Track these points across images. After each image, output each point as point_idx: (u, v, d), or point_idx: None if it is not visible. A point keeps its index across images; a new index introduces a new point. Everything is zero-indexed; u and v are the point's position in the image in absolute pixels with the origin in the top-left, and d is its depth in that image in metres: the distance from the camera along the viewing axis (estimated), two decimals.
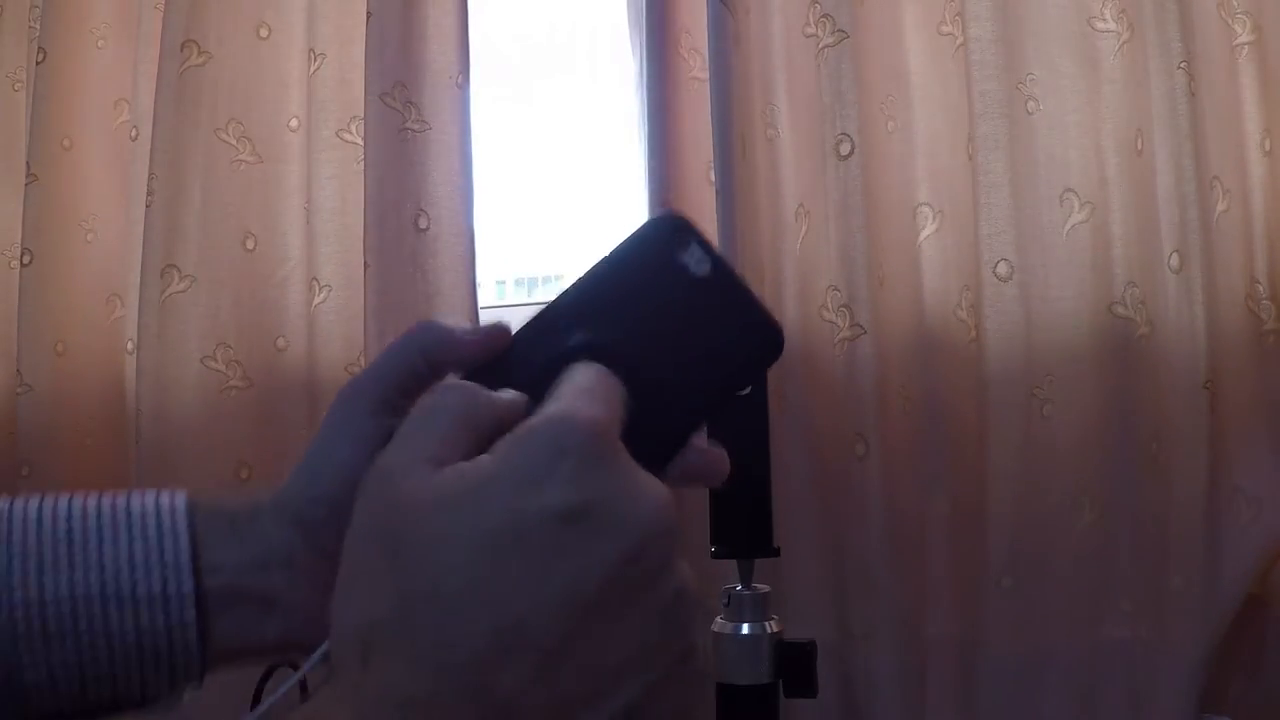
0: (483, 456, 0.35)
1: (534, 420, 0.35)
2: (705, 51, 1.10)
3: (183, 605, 0.44)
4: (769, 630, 0.80)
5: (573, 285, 0.42)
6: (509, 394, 0.39)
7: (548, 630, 0.32)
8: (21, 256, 1.36)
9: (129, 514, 0.45)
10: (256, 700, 0.87)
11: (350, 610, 0.35)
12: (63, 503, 0.45)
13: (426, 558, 0.33)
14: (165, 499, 0.46)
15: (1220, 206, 0.96)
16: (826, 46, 1.06)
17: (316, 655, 0.41)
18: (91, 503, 0.46)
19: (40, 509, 0.45)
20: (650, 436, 0.39)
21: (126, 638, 0.44)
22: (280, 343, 1.25)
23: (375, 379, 0.45)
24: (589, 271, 0.43)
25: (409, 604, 0.33)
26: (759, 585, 0.81)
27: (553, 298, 0.43)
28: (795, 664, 0.79)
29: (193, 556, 0.45)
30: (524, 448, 0.34)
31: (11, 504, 0.45)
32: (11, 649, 0.43)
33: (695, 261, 0.41)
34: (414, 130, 1.18)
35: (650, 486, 0.35)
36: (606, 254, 0.43)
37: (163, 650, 0.45)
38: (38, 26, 1.39)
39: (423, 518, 0.34)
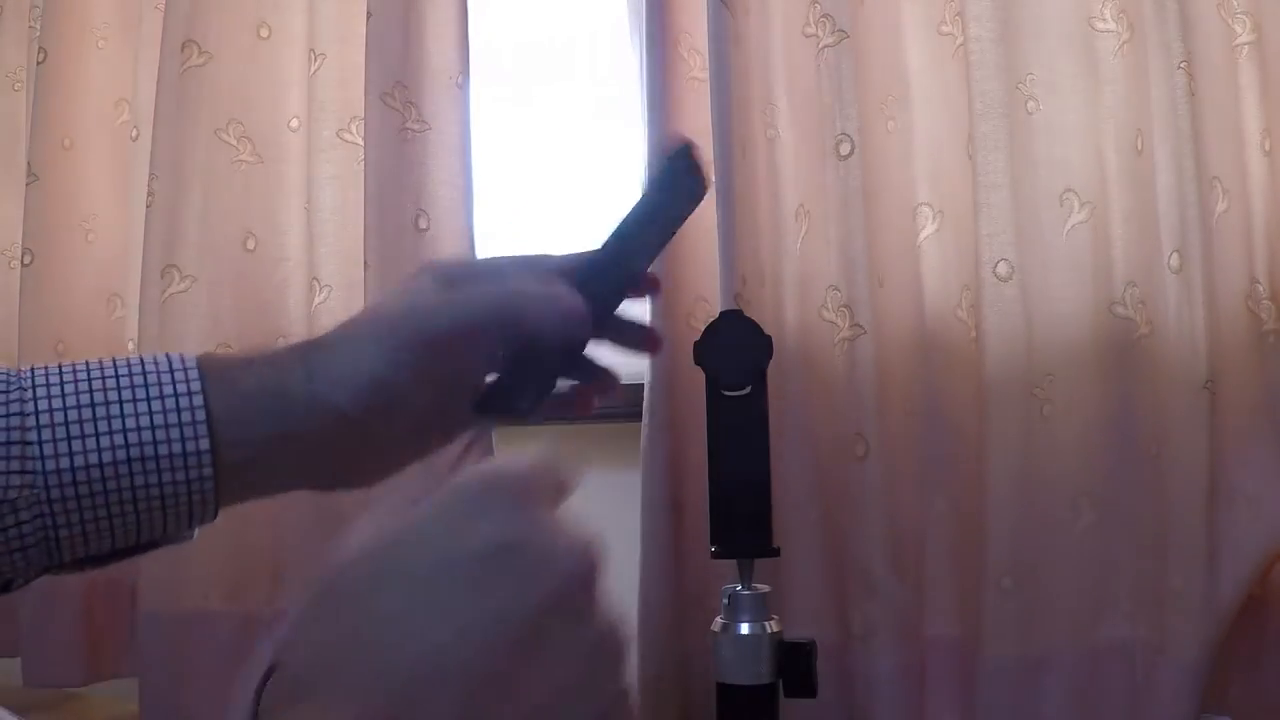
0: (416, 506, 0.36)
1: (465, 473, 0.37)
2: (705, 51, 1.09)
3: (200, 462, 0.47)
4: (769, 630, 0.80)
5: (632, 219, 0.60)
6: None
7: (473, 662, 0.32)
8: (22, 256, 1.36)
9: (145, 377, 0.47)
10: (257, 700, 0.87)
11: (288, 663, 0.34)
12: (81, 369, 0.48)
13: (358, 601, 0.34)
14: (177, 360, 0.48)
15: (1220, 206, 0.96)
16: (826, 46, 1.06)
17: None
18: (109, 366, 0.48)
19: (61, 376, 0.47)
20: (614, 286, 0.59)
21: (151, 494, 0.47)
22: (281, 343, 1.25)
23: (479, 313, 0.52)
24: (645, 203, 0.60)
25: (339, 643, 0.33)
26: (759, 585, 0.81)
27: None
28: (795, 664, 0.79)
29: (208, 414, 0.47)
30: (456, 495, 0.36)
31: (33, 372, 0.48)
32: (47, 511, 0.46)
33: (693, 175, 0.60)
34: (414, 130, 1.18)
35: (575, 532, 0.36)
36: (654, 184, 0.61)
37: (183, 502, 0.48)
38: (38, 26, 1.39)
39: (357, 566, 0.35)
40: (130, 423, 0.46)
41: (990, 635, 0.99)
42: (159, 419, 0.46)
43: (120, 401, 0.46)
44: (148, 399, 0.47)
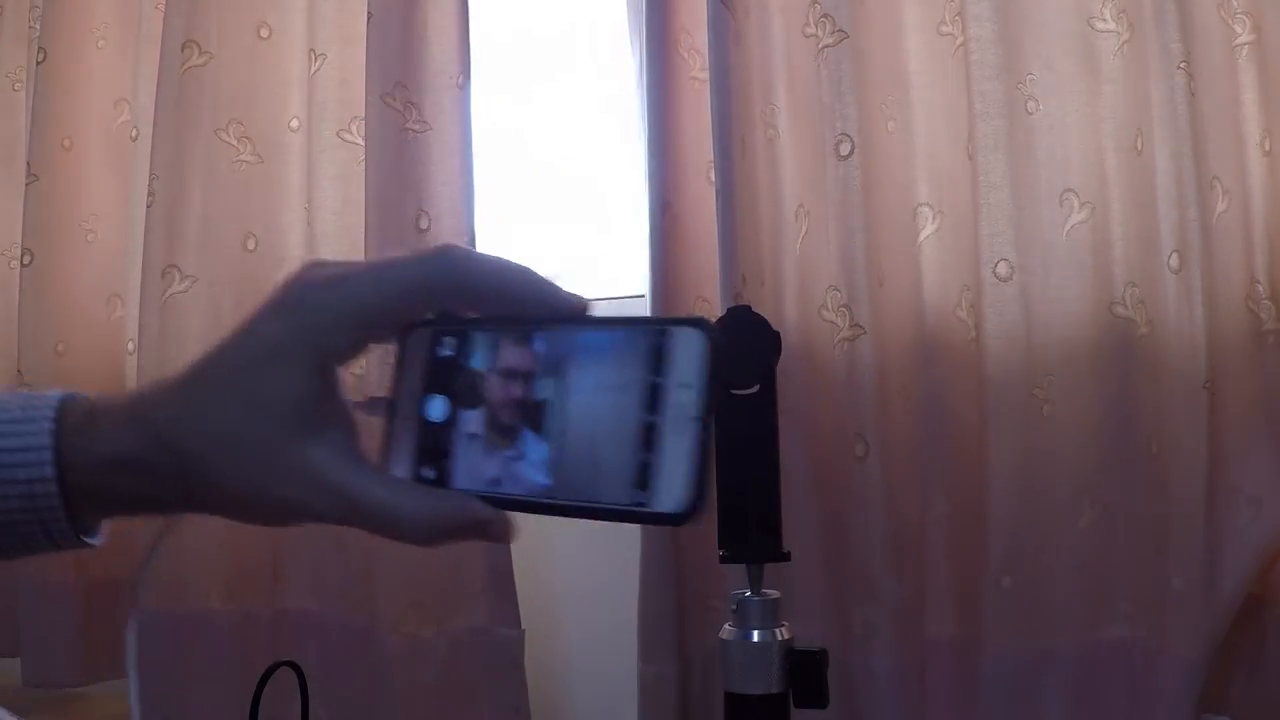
0: None
1: None
2: (705, 51, 1.09)
3: (48, 489, 0.45)
4: (779, 638, 0.76)
5: None
6: None
7: None
8: (21, 256, 1.36)
9: (4, 405, 0.45)
10: (256, 701, 0.87)
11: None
12: None
13: None
14: (38, 395, 0.46)
15: (1220, 206, 0.96)
16: (826, 46, 1.06)
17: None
18: None
19: None
20: None
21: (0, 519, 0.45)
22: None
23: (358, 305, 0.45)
24: None
25: None
26: (769, 591, 0.77)
27: None
28: (806, 674, 0.76)
29: (56, 445, 0.45)
30: None
31: None
32: None
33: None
34: (415, 131, 1.18)
35: None
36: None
37: (35, 525, 0.46)
38: (38, 26, 1.39)
39: None
40: None
41: (990, 635, 0.99)
42: (20, 516, 0.45)
43: None
44: (5, 499, 0.45)
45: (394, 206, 1.18)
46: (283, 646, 1.23)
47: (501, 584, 1.17)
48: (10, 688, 1.35)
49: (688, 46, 1.15)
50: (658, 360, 0.42)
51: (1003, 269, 0.99)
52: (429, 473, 0.46)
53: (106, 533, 0.49)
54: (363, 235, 1.20)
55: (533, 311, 0.45)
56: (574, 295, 0.45)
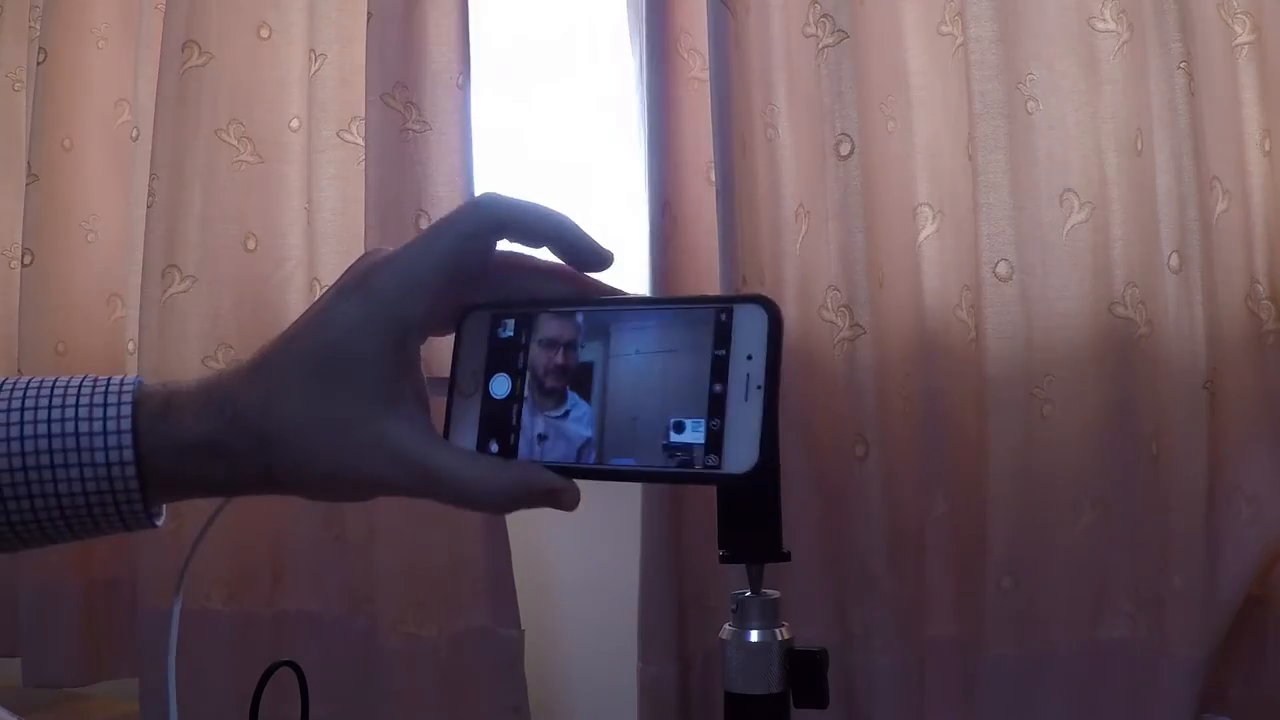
0: None
1: None
2: (705, 51, 1.10)
3: (125, 472, 0.46)
4: (779, 638, 0.78)
5: None
6: None
7: None
8: (22, 256, 1.36)
9: (79, 390, 0.47)
10: (256, 701, 0.87)
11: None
12: (21, 381, 0.47)
13: None
14: (116, 378, 0.48)
15: (1220, 206, 0.96)
16: (826, 46, 1.06)
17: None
18: (48, 382, 0.47)
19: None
20: None
21: (75, 500, 0.46)
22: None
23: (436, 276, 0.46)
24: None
25: None
26: (769, 591, 0.79)
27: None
28: (806, 673, 0.77)
29: (134, 425, 0.46)
30: None
31: None
32: None
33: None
34: (415, 131, 1.18)
35: None
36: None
37: (110, 506, 0.47)
38: (38, 26, 1.39)
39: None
40: (56, 431, 0.46)
41: (990, 635, 0.99)
42: (84, 428, 0.46)
43: (49, 410, 0.46)
44: (76, 409, 0.46)
45: (394, 206, 1.19)
46: (283, 646, 1.23)
47: (501, 584, 1.17)
48: (10, 688, 1.35)
49: (688, 46, 1.15)
50: (721, 334, 0.45)
51: (1003, 269, 0.99)
52: (493, 447, 0.48)
53: (165, 515, 0.50)
54: (363, 235, 1.20)
55: (565, 252, 0.48)
56: (605, 248, 0.48)
